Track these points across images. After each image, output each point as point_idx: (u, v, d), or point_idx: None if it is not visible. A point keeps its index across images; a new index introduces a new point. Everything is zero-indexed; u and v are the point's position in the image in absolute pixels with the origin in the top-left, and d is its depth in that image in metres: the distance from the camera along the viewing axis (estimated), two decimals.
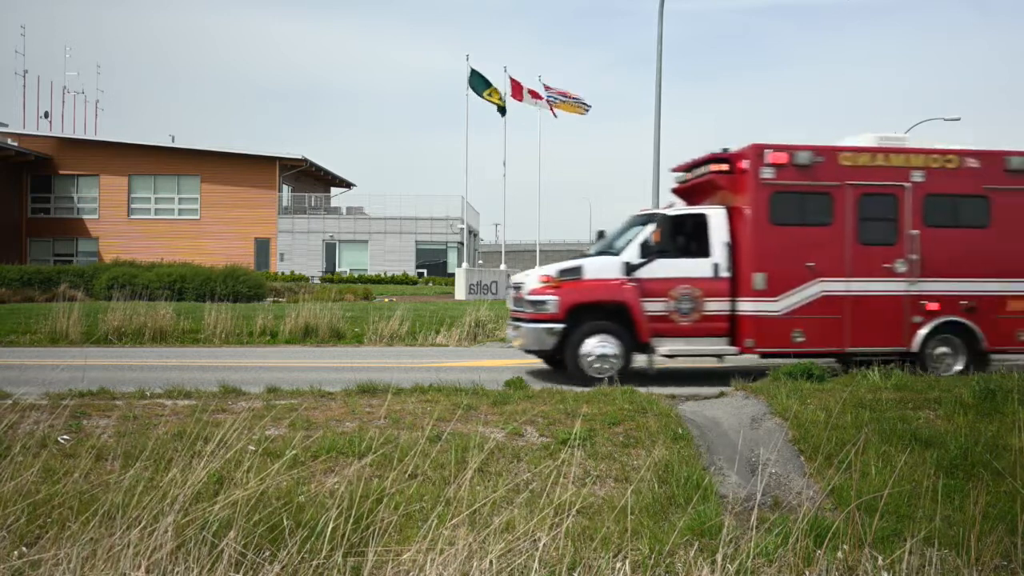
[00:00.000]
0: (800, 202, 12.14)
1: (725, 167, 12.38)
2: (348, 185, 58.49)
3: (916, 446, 7.44)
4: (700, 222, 12.31)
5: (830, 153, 12.20)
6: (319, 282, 41.25)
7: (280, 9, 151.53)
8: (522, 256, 60.79)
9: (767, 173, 11.94)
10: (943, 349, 12.26)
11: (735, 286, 12.05)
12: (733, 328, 12.06)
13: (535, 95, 38.67)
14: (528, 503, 5.39)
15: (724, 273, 12.04)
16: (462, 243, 47.41)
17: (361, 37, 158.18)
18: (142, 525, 4.40)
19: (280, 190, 47.61)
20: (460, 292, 33.59)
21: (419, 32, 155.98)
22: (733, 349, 12.07)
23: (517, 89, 38.97)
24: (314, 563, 4.38)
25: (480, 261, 56.80)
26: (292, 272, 43.66)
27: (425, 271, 47.89)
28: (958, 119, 39.32)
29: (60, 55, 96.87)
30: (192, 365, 12.92)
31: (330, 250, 48.00)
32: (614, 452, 7.48)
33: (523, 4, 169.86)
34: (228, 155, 46.61)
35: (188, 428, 7.01)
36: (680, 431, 8.12)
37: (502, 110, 38.81)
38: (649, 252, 11.94)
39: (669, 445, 7.61)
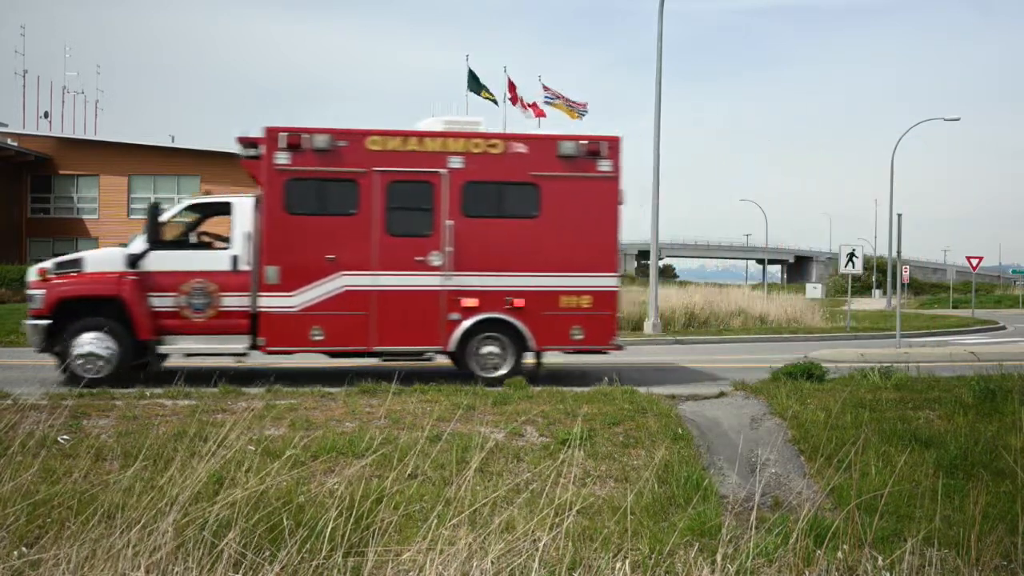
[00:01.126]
0: (319, 190, 11.22)
1: (253, 152, 11.26)
2: None
3: (916, 446, 7.43)
4: (222, 211, 11.45)
5: (355, 137, 11.25)
6: None
7: (280, 9, 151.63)
8: None
9: (282, 159, 11.02)
10: (490, 349, 11.42)
11: (256, 281, 11.16)
12: (255, 326, 11.18)
13: (521, 102, 39.36)
14: (528, 503, 5.38)
15: (244, 266, 11.12)
16: None
17: (361, 37, 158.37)
18: (142, 525, 4.40)
19: None
20: None
21: (419, 32, 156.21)
22: (245, 348, 11.22)
23: (513, 91, 39.56)
24: (314, 563, 4.38)
25: None
26: None
27: None
28: (958, 119, 39.46)
29: (60, 55, 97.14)
30: (192, 365, 12.89)
31: None
32: (614, 452, 7.48)
33: (523, 4, 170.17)
34: (228, 155, 46.40)
35: (188, 428, 7.03)
36: (680, 431, 8.13)
37: (495, 101, 39.88)
38: (155, 243, 11.01)
39: (669, 445, 7.61)
